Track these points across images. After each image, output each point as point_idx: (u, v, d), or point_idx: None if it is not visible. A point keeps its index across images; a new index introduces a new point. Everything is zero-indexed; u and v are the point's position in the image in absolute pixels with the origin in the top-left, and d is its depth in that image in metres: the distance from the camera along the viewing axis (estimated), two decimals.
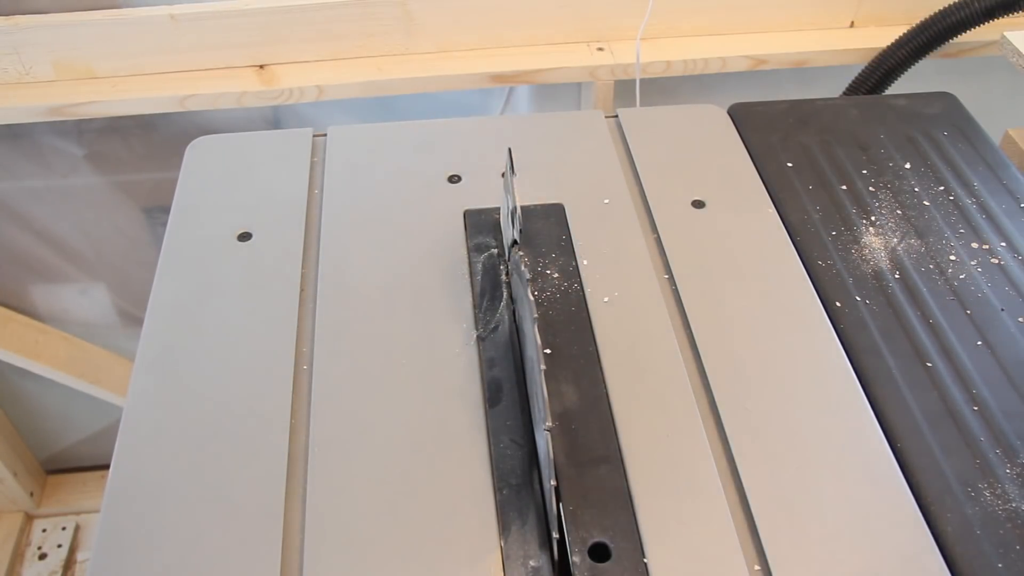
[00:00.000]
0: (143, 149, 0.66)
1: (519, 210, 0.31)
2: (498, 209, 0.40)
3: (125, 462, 0.29)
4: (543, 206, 0.40)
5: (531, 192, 0.41)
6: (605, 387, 0.32)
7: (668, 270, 0.38)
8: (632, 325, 0.35)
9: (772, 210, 0.40)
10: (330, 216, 0.40)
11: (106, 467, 0.29)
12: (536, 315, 0.28)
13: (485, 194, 0.41)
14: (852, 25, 0.60)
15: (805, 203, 0.40)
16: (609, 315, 0.35)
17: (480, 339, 0.34)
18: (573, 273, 0.37)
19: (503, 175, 0.39)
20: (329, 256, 0.38)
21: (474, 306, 0.36)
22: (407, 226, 0.40)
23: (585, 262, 0.37)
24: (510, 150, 0.32)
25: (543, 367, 0.26)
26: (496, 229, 0.39)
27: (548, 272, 0.37)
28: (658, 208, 0.41)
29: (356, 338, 0.34)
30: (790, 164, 0.42)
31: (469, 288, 0.36)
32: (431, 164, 0.43)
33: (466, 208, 0.40)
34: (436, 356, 0.33)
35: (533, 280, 0.36)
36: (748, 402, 0.32)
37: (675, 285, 0.37)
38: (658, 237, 0.39)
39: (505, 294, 0.36)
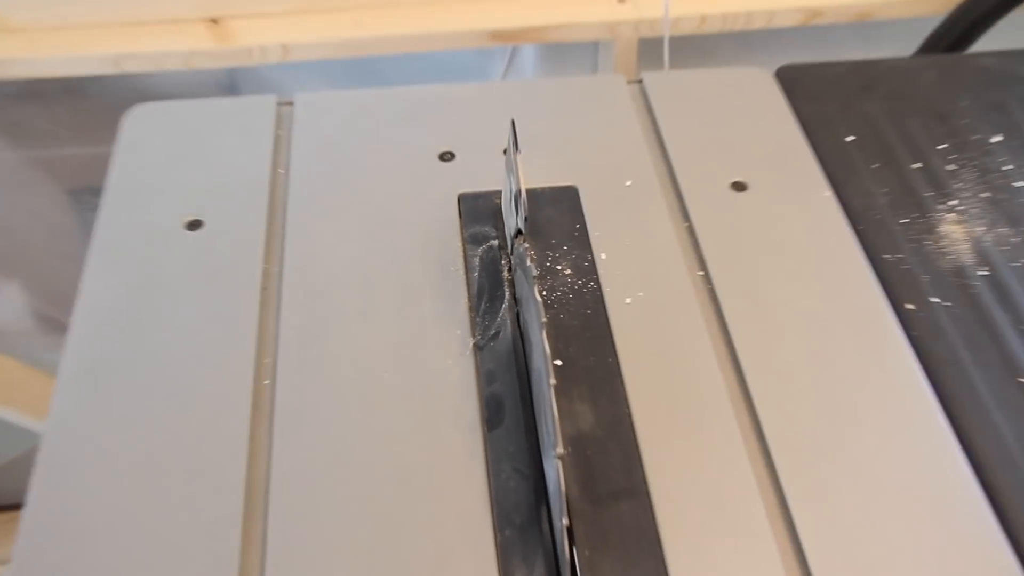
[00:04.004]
0: (69, 119, 0.64)
1: (524, 194, 0.31)
2: (499, 193, 0.40)
3: (43, 502, 0.28)
4: (553, 189, 0.41)
5: (539, 172, 0.42)
6: (628, 406, 0.32)
7: (703, 266, 0.38)
8: (660, 332, 0.35)
9: (829, 193, 0.40)
10: (298, 201, 0.40)
11: (17, 507, 0.28)
12: (545, 319, 0.28)
13: (483, 175, 0.41)
14: None
15: (869, 185, 0.40)
16: (632, 319, 0.36)
17: (477, 348, 0.34)
18: (589, 269, 0.37)
19: (505, 152, 0.39)
20: (296, 249, 0.38)
21: (470, 309, 0.36)
22: (390, 213, 0.40)
23: (603, 256, 0.38)
24: (513, 122, 0.32)
25: (553, 382, 0.26)
26: (497, 216, 0.40)
27: (559, 268, 0.38)
28: (691, 191, 0.41)
29: (329, 348, 0.34)
30: (851, 138, 0.42)
31: (464, 287, 0.37)
32: (419, 139, 0.43)
33: (461, 192, 0.41)
34: (424, 369, 0.34)
35: (541, 277, 0.37)
36: (801, 425, 0.32)
37: (711, 284, 0.37)
38: (691, 226, 0.40)
39: (507, 294, 0.36)
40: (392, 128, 0.43)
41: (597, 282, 0.37)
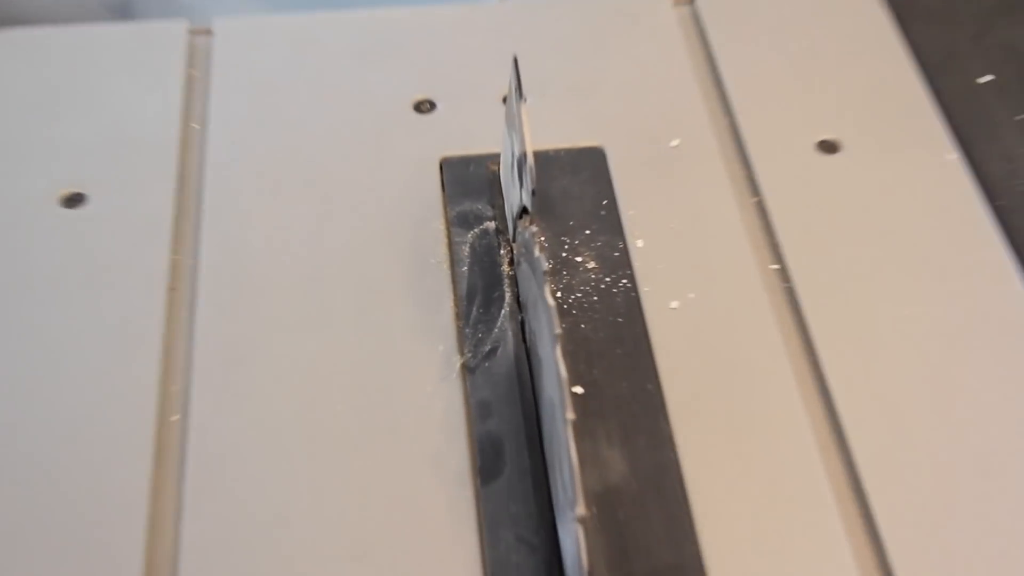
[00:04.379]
0: None
1: (531, 158, 0.31)
2: (497, 157, 0.40)
3: None
4: (572, 152, 0.41)
5: (552, 128, 0.41)
6: (674, 450, 0.32)
7: (777, 257, 0.38)
8: (718, 348, 0.35)
9: (955, 156, 0.40)
10: (218, 167, 0.40)
11: None
12: (560, 330, 0.28)
13: (475, 132, 0.41)
14: None
15: (1013, 144, 0.40)
16: (680, 330, 0.36)
17: (467, 370, 0.34)
18: (620, 261, 0.37)
19: (505, 101, 0.39)
20: (216, 234, 0.38)
21: (457, 316, 0.36)
22: (346, 184, 0.40)
23: (640, 243, 0.38)
24: (516, 59, 0.31)
25: (571, 416, 0.26)
26: (493, 189, 0.39)
27: (580, 260, 0.37)
28: (762, 154, 0.41)
29: (261, 371, 0.34)
30: (987, 78, 0.42)
31: (448, 286, 0.37)
32: (386, 81, 0.43)
33: (444, 155, 0.40)
34: (394, 400, 0.34)
35: (555, 273, 0.37)
36: (914, 481, 0.32)
37: (789, 281, 0.37)
38: (761, 202, 0.40)
39: (508, 296, 0.36)
40: (349, 66, 0.43)
41: (632, 279, 0.37)
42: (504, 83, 0.41)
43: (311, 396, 0.34)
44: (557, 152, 0.41)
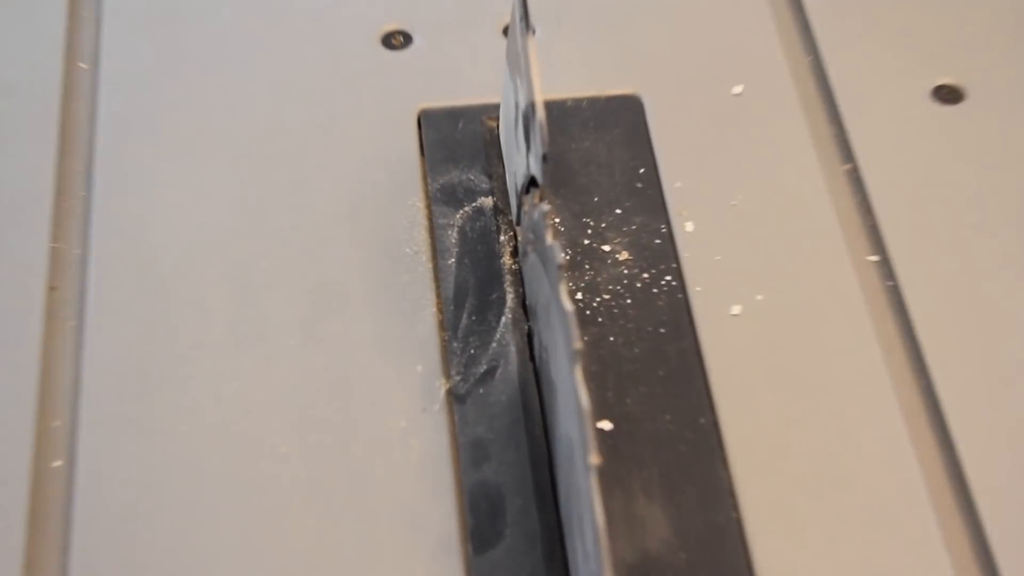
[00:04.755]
0: None
1: (543, 111, 0.31)
2: (494, 109, 0.40)
3: None
4: (598, 102, 0.41)
5: (571, 69, 0.41)
6: (735, 507, 0.33)
7: (877, 244, 0.38)
8: (796, 367, 0.35)
9: None
10: (116, 123, 0.40)
11: None
12: (580, 345, 0.28)
13: (463, 74, 0.41)
14: None
15: None
16: (743, 345, 0.36)
17: (455, 398, 0.35)
18: (663, 252, 0.37)
19: (507, 33, 0.40)
20: (113, 213, 0.38)
21: (441, 325, 0.36)
22: (293, 147, 0.40)
23: (690, 227, 0.38)
24: None
25: (595, 461, 0.26)
26: (490, 152, 0.40)
27: (608, 249, 0.37)
28: (857, 103, 0.41)
29: (174, 400, 0.34)
30: None
31: (430, 284, 0.37)
32: (345, 6, 0.43)
33: (423, 106, 0.41)
34: (358, 438, 0.34)
35: (575, 267, 0.37)
36: None
37: (893, 279, 0.38)
38: (855, 169, 0.40)
39: (509, 298, 0.37)
40: None
41: (678, 276, 0.37)
42: (504, 8, 0.41)
43: (243, 435, 0.34)
44: (578, 102, 0.41)
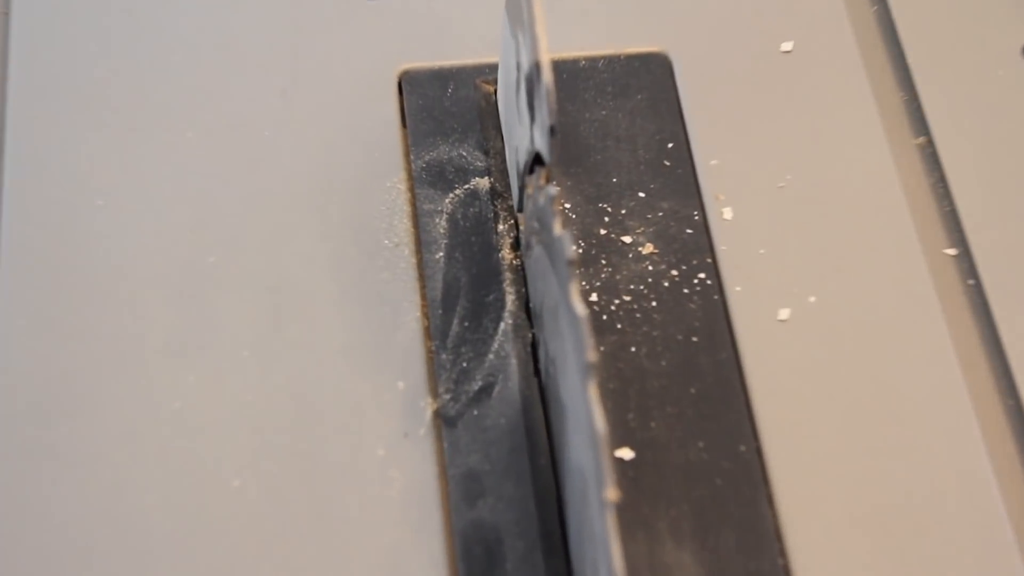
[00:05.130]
0: None
1: (550, 73, 0.31)
2: (490, 70, 0.41)
3: None
4: (618, 61, 0.41)
5: (586, 23, 0.42)
6: (782, 551, 0.33)
7: (957, 236, 0.39)
8: (856, 383, 0.36)
9: None
10: (28, 90, 0.41)
11: None
12: (594, 357, 0.28)
13: (452, 26, 0.42)
14: None
15: None
16: (793, 356, 0.36)
17: (445, 421, 0.35)
18: (696, 243, 0.38)
19: None
20: (24, 196, 0.38)
21: (427, 333, 0.36)
22: (248, 115, 0.40)
23: (729, 213, 0.39)
24: None
25: (612, 497, 0.27)
26: (486, 123, 0.40)
27: (629, 241, 0.38)
28: (933, 64, 0.41)
29: (103, 425, 0.35)
30: None
31: (414, 283, 0.37)
32: None
33: (405, 66, 0.41)
34: (328, 469, 0.34)
35: (589, 262, 0.37)
36: None
37: (976, 276, 0.38)
38: (930, 143, 0.40)
39: (509, 300, 0.37)
40: None
41: (714, 273, 0.37)
42: None
43: (187, 466, 0.34)
44: (593, 62, 0.41)
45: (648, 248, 0.38)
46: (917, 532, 0.34)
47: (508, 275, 0.38)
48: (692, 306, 0.37)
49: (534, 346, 0.36)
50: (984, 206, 0.39)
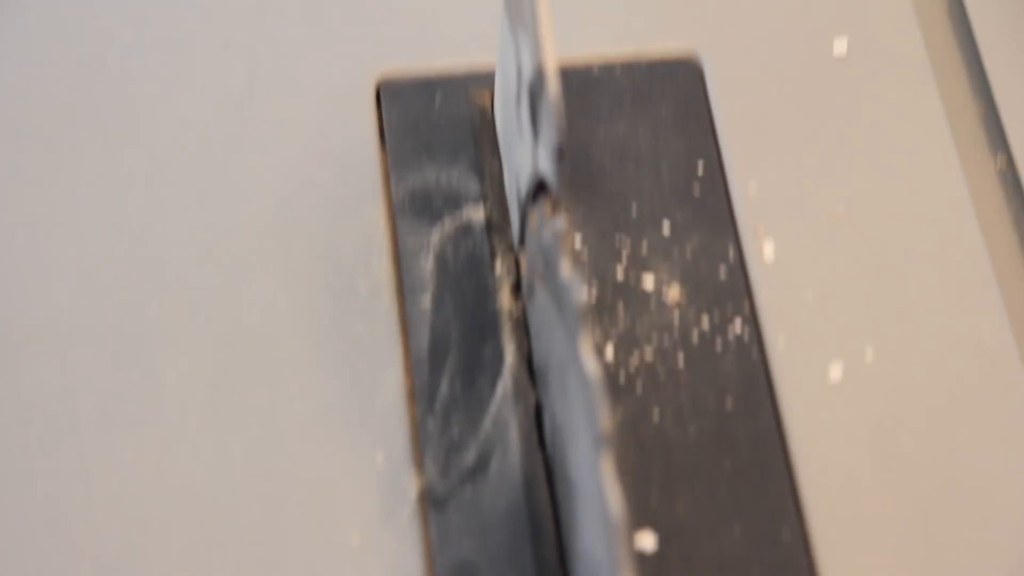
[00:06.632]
0: None
1: (556, 82, 0.31)
2: (485, 78, 0.40)
3: None
4: (639, 68, 0.41)
5: (600, 22, 0.41)
6: None
7: None
8: (926, 455, 0.35)
9: None
10: None
11: None
12: (609, 426, 0.28)
13: (440, 25, 0.41)
14: None
15: None
16: (847, 423, 0.36)
17: (432, 503, 0.34)
18: (731, 288, 0.38)
19: None
20: None
21: (411, 395, 0.36)
22: (202, 132, 0.40)
23: (770, 250, 0.38)
24: None
25: None
26: (480, 141, 0.39)
27: (650, 283, 0.37)
28: (1013, 72, 0.40)
29: (21, 499, 0.34)
30: None
31: (396, 335, 0.37)
32: None
33: (383, 73, 0.40)
34: (295, 560, 0.34)
35: (603, 310, 0.37)
36: None
37: None
38: (1010, 163, 0.39)
39: (509, 356, 0.36)
40: None
41: (753, 323, 0.37)
42: None
43: (123, 558, 0.33)
44: (609, 68, 0.40)
45: (674, 293, 0.37)
46: None
47: (507, 326, 0.37)
48: (726, 363, 0.36)
49: (538, 412, 0.35)
50: None
